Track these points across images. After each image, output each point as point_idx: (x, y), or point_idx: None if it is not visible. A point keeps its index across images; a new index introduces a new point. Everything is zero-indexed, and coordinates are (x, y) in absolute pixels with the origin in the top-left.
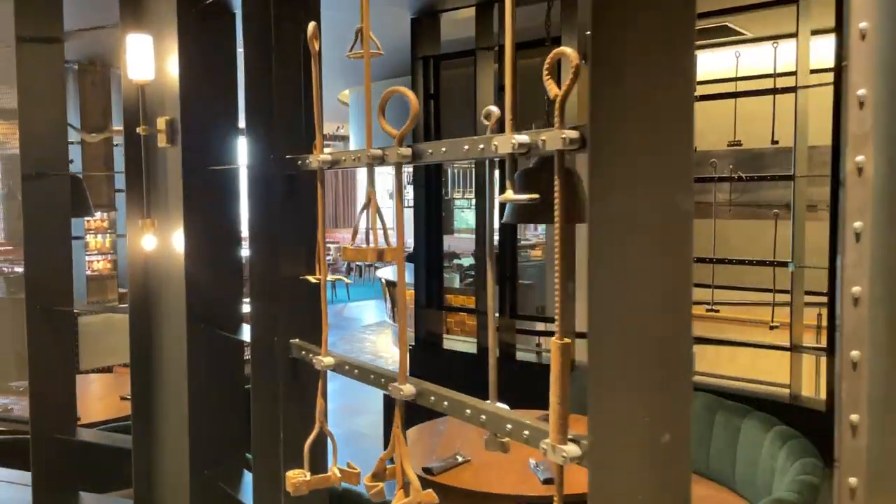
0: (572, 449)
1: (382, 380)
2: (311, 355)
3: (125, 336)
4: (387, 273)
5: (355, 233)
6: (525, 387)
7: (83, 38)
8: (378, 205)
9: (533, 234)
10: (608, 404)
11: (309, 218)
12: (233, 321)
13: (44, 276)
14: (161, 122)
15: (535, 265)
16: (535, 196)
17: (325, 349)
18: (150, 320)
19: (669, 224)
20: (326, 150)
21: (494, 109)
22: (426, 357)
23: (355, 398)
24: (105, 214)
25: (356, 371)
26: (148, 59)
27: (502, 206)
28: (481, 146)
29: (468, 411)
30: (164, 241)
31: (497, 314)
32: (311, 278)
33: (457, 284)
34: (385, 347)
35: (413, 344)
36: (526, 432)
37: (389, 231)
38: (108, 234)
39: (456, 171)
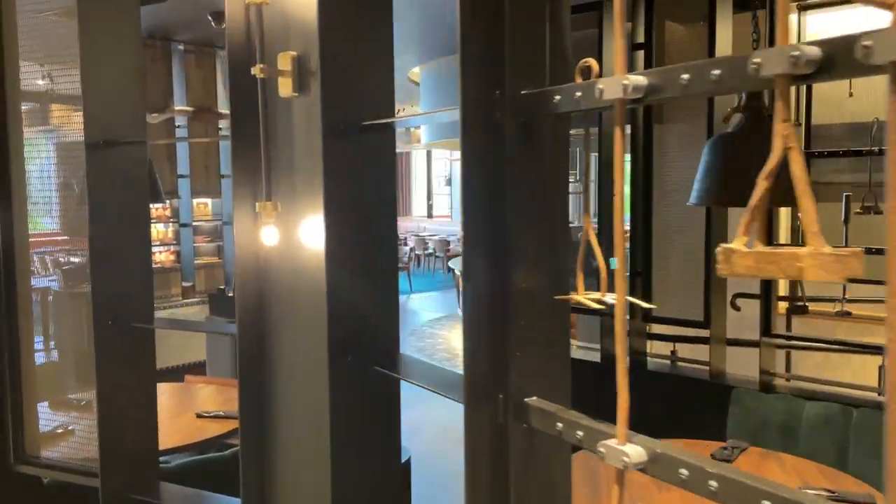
0: None
1: None
2: (581, 434)
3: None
4: (456, 262)
5: (748, 226)
6: (660, 404)
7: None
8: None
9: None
10: None
11: (557, 195)
12: (389, 352)
13: (117, 281)
14: (284, 60)
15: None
16: None
17: (623, 430)
18: (268, 347)
19: None
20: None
21: None
22: None
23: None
24: (167, 202)
25: (714, 486)
26: None
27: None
28: None
29: None
30: (287, 233)
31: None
32: (586, 299)
33: None
34: (458, 344)
35: None
36: None
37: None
38: (170, 224)
39: None
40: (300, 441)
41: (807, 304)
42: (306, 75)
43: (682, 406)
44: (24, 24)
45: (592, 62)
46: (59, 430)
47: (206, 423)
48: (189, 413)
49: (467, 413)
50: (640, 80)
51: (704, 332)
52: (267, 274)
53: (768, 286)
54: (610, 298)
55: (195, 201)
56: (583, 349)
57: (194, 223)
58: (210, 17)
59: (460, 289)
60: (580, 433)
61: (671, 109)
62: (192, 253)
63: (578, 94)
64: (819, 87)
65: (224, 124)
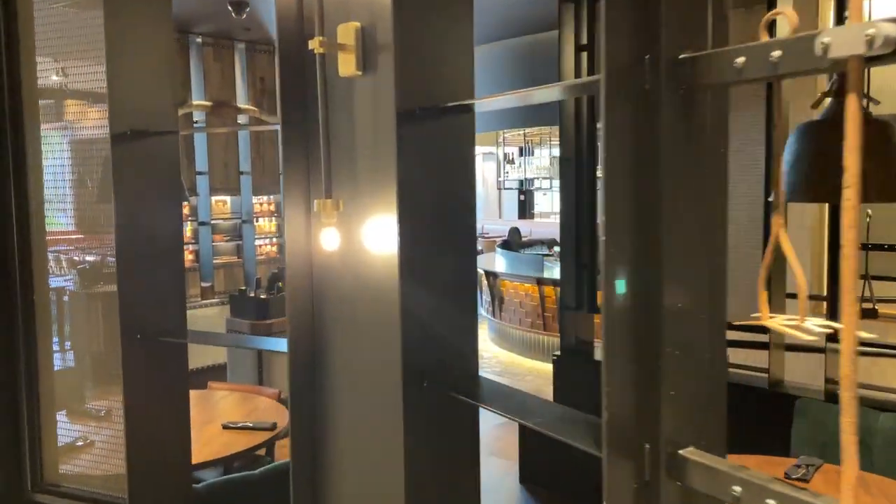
0: None
1: None
2: None
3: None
4: (481, 261)
5: None
6: None
7: None
8: None
9: None
10: None
11: (719, 187)
12: (468, 376)
13: (146, 290)
14: (346, 33)
15: None
16: None
17: None
18: (323, 366)
19: None
20: None
21: None
22: (575, 370)
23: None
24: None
25: None
26: None
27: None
28: None
29: None
30: (349, 235)
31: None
32: (779, 325)
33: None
34: (483, 346)
35: (557, 353)
36: None
37: None
38: (188, 222)
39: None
40: (363, 471)
41: (876, 307)
42: (373, 50)
43: (739, 417)
44: (38, 17)
45: (789, 12)
46: (79, 444)
47: (234, 435)
48: (214, 424)
49: (607, 467)
50: (891, 29)
51: (760, 336)
52: (323, 283)
53: (835, 287)
54: (814, 325)
55: (213, 199)
56: None
57: (213, 221)
58: (230, 7)
59: (485, 287)
60: (745, 493)
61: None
62: (211, 252)
63: (777, 53)
64: (877, 75)
65: (243, 119)
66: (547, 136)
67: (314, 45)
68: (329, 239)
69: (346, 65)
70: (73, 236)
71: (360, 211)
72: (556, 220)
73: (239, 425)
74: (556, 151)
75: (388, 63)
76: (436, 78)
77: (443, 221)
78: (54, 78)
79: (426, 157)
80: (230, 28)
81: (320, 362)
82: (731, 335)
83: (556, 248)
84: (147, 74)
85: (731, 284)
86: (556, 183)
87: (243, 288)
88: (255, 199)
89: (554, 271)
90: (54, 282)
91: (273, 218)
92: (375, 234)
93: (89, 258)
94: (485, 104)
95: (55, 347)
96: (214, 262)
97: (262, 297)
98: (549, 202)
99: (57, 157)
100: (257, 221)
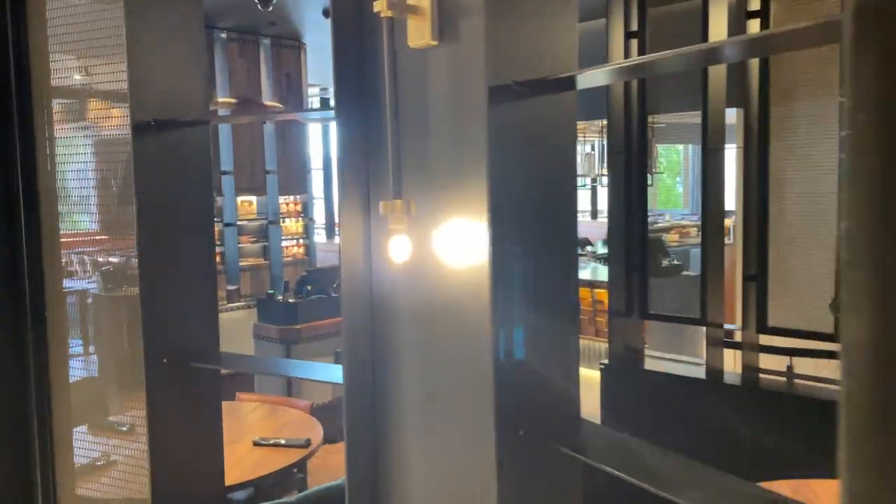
0: None
1: None
2: None
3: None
4: None
5: None
6: (778, 430)
7: None
8: None
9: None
10: None
11: None
12: (571, 422)
13: (173, 307)
14: None
15: (673, 253)
16: None
17: None
18: (388, 408)
19: None
20: None
21: None
22: (624, 380)
23: None
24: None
25: None
26: None
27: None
28: None
29: None
30: (420, 245)
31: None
32: None
33: (588, 276)
34: None
35: (605, 362)
36: None
37: None
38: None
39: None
40: None
41: None
42: (453, 14)
43: (810, 434)
44: (55, 13)
45: None
46: (99, 463)
47: (265, 453)
48: (244, 440)
49: None
50: None
51: (830, 345)
52: (386, 301)
53: None
54: None
55: (239, 199)
56: (655, 359)
57: (238, 222)
58: (256, 0)
59: None
60: None
61: (791, 87)
62: (237, 254)
63: None
64: None
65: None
66: (581, 131)
67: (380, 6)
68: (399, 248)
69: (419, 33)
70: (97, 237)
71: (434, 214)
72: (582, 218)
73: (271, 442)
74: (589, 148)
75: (476, 29)
76: (533, 48)
77: (544, 226)
78: (77, 77)
79: (523, 145)
80: (255, 23)
81: (382, 399)
82: (810, 344)
83: (589, 248)
84: (173, 58)
85: (808, 289)
86: (588, 180)
87: (271, 291)
88: (281, 199)
89: (587, 272)
90: (77, 284)
91: (300, 218)
92: (456, 243)
93: (112, 259)
94: (597, 75)
95: (79, 350)
96: (240, 264)
97: (291, 300)
98: None
99: (81, 157)
100: (283, 222)
